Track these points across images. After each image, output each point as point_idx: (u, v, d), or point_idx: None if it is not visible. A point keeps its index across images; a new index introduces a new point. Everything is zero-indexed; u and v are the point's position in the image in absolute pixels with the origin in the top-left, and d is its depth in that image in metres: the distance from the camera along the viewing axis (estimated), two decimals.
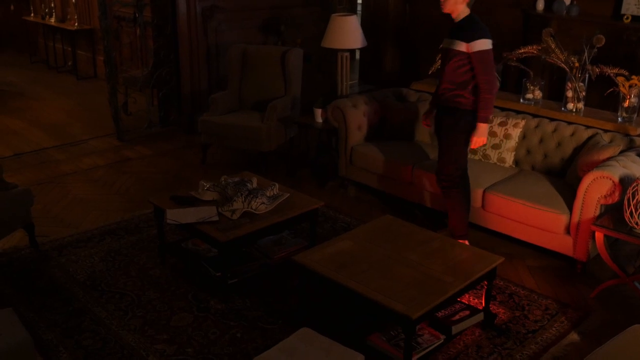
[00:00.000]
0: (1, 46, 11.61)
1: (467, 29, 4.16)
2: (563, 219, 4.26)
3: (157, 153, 6.59)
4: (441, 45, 4.41)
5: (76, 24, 9.62)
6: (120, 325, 3.68)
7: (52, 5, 10.05)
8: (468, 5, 4.18)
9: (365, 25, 7.51)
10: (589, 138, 4.70)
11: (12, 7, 11.00)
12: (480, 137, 4.27)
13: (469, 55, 4.15)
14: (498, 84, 4.38)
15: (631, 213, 3.72)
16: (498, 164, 4.99)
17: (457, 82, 4.23)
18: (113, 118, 6.92)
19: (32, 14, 10.61)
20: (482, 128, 4.23)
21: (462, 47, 4.14)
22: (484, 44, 4.12)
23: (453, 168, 4.37)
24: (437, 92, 4.43)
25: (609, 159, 4.28)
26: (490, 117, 4.37)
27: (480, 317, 3.68)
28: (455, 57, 4.19)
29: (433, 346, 3.40)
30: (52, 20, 10.03)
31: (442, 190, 4.50)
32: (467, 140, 4.32)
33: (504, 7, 6.87)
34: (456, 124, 4.28)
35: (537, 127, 4.99)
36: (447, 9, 4.20)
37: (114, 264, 4.36)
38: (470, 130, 4.27)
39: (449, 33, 4.31)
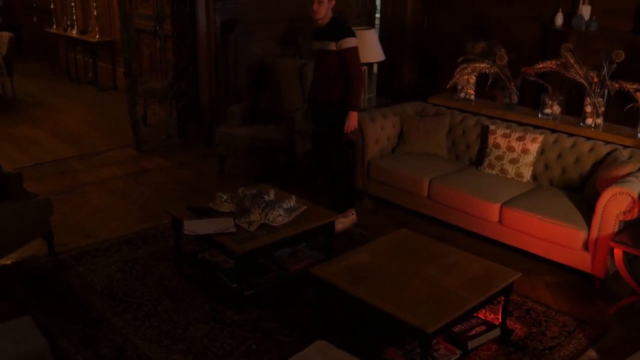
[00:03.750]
0: (24, 57, 11.78)
1: (336, 30, 4.79)
2: (581, 234, 4.23)
3: (175, 164, 6.64)
4: (314, 48, 4.97)
5: (97, 36, 9.74)
6: (137, 335, 3.70)
7: (74, 17, 10.20)
8: (332, 9, 4.81)
9: (382, 38, 7.52)
10: (608, 154, 4.67)
11: (35, 19, 11.18)
12: (352, 123, 4.86)
13: (338, 52, 4.77)
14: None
15: None
16: (516, 178, 4.97)
17: (331, 78, 4.85)
18: (132, 129, 6.99)
19: (55, 26, 10.76)
20: (353, 115, 4.85)
21: (333, 46, 4.76)
22: (352, 42, 4.78)
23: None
24: (315, 89, 5.04)
25: (628, 174, 4.24)
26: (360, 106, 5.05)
27: (496, 332, 3.65)
28: (329, 56, 4.81)
29: None
30: (74, 32, 10.16)
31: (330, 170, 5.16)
32: (341, 128, 4.89)
33: (522, 22, 6.86)
34: (335, 115, 4.87)
35: (555, 142, 4.96)
36: (320, 15, 4.76)
37: (131, 273, 4.40)
38: (342, 118, 4.84)
39: (316, 36, 4.92)
